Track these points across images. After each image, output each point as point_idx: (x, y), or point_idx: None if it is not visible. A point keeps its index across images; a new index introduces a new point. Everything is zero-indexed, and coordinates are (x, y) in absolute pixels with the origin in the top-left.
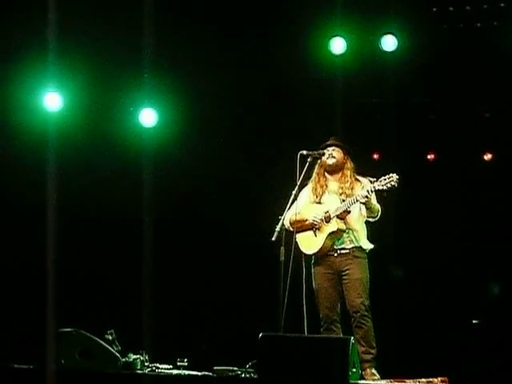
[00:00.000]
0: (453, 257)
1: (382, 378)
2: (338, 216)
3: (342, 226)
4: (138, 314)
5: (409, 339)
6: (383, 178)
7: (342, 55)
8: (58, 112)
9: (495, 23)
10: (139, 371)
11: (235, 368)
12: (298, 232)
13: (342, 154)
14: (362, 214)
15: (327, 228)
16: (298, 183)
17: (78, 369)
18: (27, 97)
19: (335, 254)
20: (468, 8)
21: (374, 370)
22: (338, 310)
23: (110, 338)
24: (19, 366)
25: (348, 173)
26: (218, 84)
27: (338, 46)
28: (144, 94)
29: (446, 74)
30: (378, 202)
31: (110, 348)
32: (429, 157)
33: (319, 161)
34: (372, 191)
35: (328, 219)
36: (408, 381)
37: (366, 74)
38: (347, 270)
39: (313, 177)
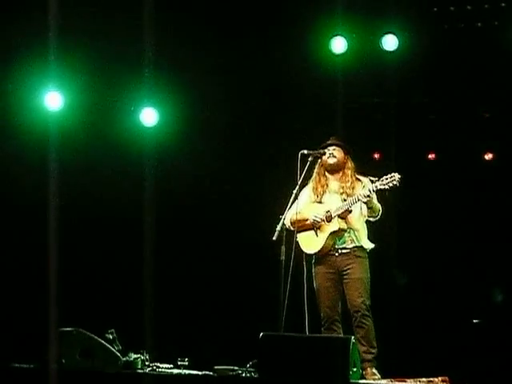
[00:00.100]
0: (453, 256)
1: (383, 377)
2: (339, 215)
3: (344, 226)
4: (139, 314)
5: (409, 339)
6: (385, 177)
7: (342, 55)
8: (58, 111)
9: (496, 23)
10: (140, 371)
11: (236, 367)
12: (299, 232)
13: (343, 154)
14: (362, 214)
15: (328, 227)
16: (299, 183)
17: (78, 368)
18: (28, 96)
19: (336, 254)
20: (469, 8)
21: (374, 370)
22: (339, 309)
23: (111, 337)
24: (20, 365)
25: (349, 172)
26: (219, 84)
27: (338, 45)
28: (145, 93)
29: (447, 73)
30: (378, 201)
31: (110, 347)
32: (429, 156)
33: (320, 160)
34: (374, 190)
35: (329, 218)
36: (409, 380)
37: (367, 74)
38: (348, 269)
39: (313, 176)
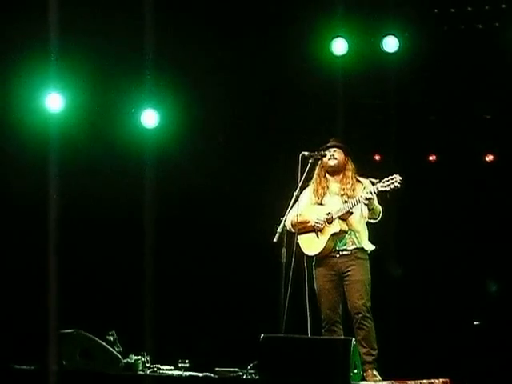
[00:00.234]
0: (454, 257)
1: (384, 379)
2: (340, 217)
3: (345, 227)
4: (139, 315)
5: (410, 340)
6: (386, 179)
7: (343, 56)
8: (59, 113)
9: (496, 24)
10: (140, 372)
11: (236, 369)
12: (300, 233)
13: (343, 155)
14: (363, 216)
15: (329, 229)
16: (300, 184)
17: (79, 370)
18: (29, 98)
19: (337, 256)
20: (469, 9)
21: (375, 372)
22: (340, 311)
23: (112, 338)
24: (20, 366)
25: (349, 174)
26: (219, 85)
27: (339, 47)
28: (145, 95)
29: (447, 75)
30: (379, 203)
31: (111, 349)
32: (430, 158)
33: (320, 162)
34: (375, 192)
35: (330, 220)
36: (409, 382)
37: (368, 75)
38: (349, 271)
39: (314, 178)
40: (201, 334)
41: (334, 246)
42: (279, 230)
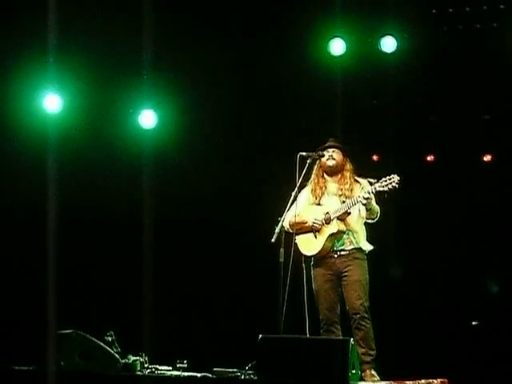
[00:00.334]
0: (452, 258)
1: (382, 379)
2: (338, 217)
3: (343, 228)
4: (138, 316)
5: (408, 340)
6: (384, 179)
7: (341, 56)
8: (57, 114)
9: (495, 24)
10: (139, 373)
11: (235, 369)
12: (298, 234)
13: (342, 156)
14: (361, 216)
15: (327, 229)
16: (298, 185)
17: (77, 370)
18: (27, 98)
19: (335, 256)
20: (467, 9)
21: (373, 372)
22: (338, 311)
23: (110, 339)
24: (19, 367)
25: (347, 174)
26: (218, 85)
27: (337, 47)
28: (143, 95)
29: (446, 75)
30: (377, 203)
31: (109, 349)
32: (428, 158)
33: (318, 162)
34: (373, 192)
35: (328, 221)
36: (408, 382)
37: (366, 76)
38: (347, 271)
39: (312, 178)
40: (199, 334)
41: (332, 247)
42: (277, 230)
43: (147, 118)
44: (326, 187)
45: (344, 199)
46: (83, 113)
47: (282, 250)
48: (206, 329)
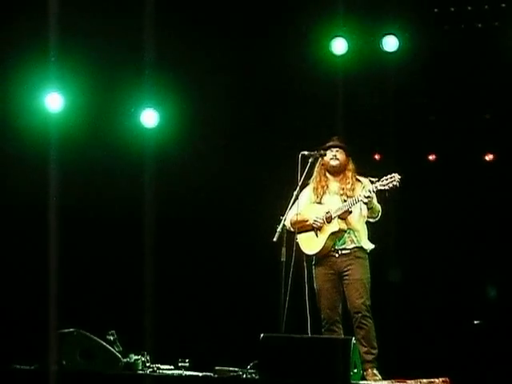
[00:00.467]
0: (454, 257)
1: (384, 378)
2: (339, 216)
3: (344, 226)
4: (139, 315)
5: (410, 339)
6: (385, 177)
7: (343, 56)
8: (59, 113)
9: (496, 24)
10: (140, 372)
11: (236, 368)
12: (299, 232)
13: (345, 156)
14: (362, 215)
15: (328, 228)
16: (300, 183)
17: (79, 369)
18: (28, 97)
19: (336, 255)
20: (469, 8)
21: (375, 371)
22: (340, 310)
23: (112, 338)
24: (20, 366)
25: (349, 174)
26: (219, 84)
27: (339, 46)
28: (145, 94)
29: (447, 74)
30: (378, 202)
31: (111, 349)
32: (429, 157)
33: (320, 160)
34: (374, 191)
35: (329, 219)
36: (409, 381)
37: (367, 75)
38: (348, 270)
39: (313, 176)
40: (201, 333)
41: (334, 245)
42: (279, 229)
43: (149, 117)
44: (327, 186)
45: (345, 198)
46: (85, 112)
47: (283, 249)
48: (207, 328)
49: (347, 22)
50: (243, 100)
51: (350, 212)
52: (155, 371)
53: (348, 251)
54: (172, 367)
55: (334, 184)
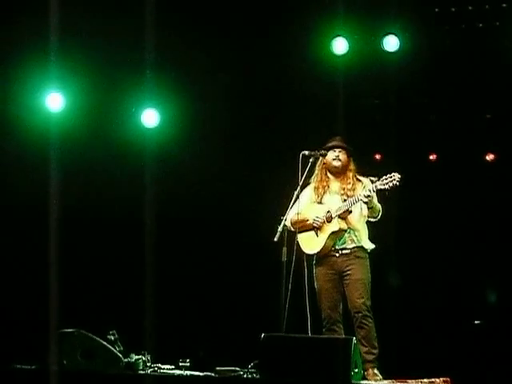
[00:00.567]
0: (454, 257)
1: (384, 378)
2: (339, 216)
3: (344, 226)
4: (140, 315)
5: (411, 339)
6: (385, 177)
7: (343, 55)
8: (60, 112)
9: (497, 23)
10: (141, 372)
11: (237, 368)
12: (300, 232)
13: (347, 156)
14: (363, 214)
15: (329, 228)
16: (300, 183)
17: (79, 369)
18: (29, 97)
19: (337, 255)
20: (470, 8)
21: (376, 371)
22: (340, 310)
23: (112, 338)
24: (21, 366)
25: (350, 174)
26: (220, 84)
27: (340, 46)
28: (146, 94)
29: (448, 74)
30: (378, 201)
31: (112, 348)
32: (430, 157)
33: (321, 159)
34: (374, 191)
35: (330, 219)
36: (410, 381)
37: (368, 75)
38: (349, 270)
39: (314, 175)
40: (201, 333)
41: (334, 245)
42: (280, 229)
43: (149, 117)
44: (328, 186)
45: (346, 198)
46: (85, 112)
47: (284, 249)
48: (208, 327)
49: (348, 21)
50: (243, 100)
51: (350, 211)
52: (156, 371)
53: (348, 251)
54: (173, 367)
55: (334, 184)
